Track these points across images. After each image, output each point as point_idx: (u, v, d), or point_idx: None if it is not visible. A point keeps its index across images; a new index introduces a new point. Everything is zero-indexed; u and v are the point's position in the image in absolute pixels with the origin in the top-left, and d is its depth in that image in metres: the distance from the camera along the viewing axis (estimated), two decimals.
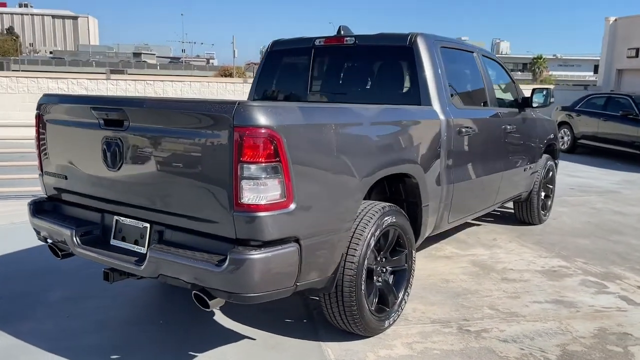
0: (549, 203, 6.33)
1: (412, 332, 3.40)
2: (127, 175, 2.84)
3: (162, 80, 14.29)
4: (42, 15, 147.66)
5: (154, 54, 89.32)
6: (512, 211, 6.21)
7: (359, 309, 3.04)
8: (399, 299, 3.45)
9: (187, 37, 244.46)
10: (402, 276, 3.51)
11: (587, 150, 13.02)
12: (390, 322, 3.35)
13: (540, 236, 5.66)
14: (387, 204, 3.31)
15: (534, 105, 5.23)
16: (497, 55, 7.02)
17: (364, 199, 3.20)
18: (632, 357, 3.17)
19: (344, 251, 2.95)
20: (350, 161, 2.86)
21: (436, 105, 3.83)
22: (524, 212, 6.01)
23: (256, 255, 2.44)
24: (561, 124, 13.20)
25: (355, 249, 3.00)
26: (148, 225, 2.85)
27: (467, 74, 4.71)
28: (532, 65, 71.11)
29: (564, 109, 13.69)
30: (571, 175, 9.78)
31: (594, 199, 7.74)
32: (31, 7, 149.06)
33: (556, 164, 6.44)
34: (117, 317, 3.60)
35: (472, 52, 4.67)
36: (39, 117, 3.29)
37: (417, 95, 3.85)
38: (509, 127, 4.84)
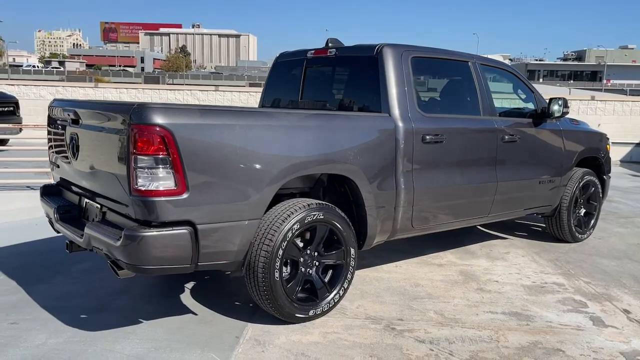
0: (592, 221, 5.95)
1: (338, 324, 3.61)
2: (81, 164, 3.49)
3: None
4: (210, 34, 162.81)
5: None
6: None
7: (272, 293, 3.36)
8: (333, 293, 3.69)
9: None
10: (339, 272, 3.74)
11: None
12: (317, 312, 3.60)
13: (563, 254, 5.38)
14: (316, 201, 3.58)
15: (555, 115, 5.05)
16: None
17: (302, 196, 3.52)
18: (527, 347, 3.09)
19: (252, 240, 3.29)
20: (255, 159, 3.21)
21: (395, 112, 3.99)
22: (553, 228, 5.73)
23: (145, 233, 2.92)
24: None
25: (271, 240, 3.33)
26: (99, 207, 3.46)
27: (452, 83, 4.74)
28: None
29: None
30: None
31: None
32: (201, 27, 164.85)
33: (603, 180, 6.02)
34: (108, 286, 4.26)
35: (467, 62, 4.69)
36: (48, 118, 4.09)
37: (379, 103, 4.04)
38: (507, 137, 4.75)
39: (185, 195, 2.97)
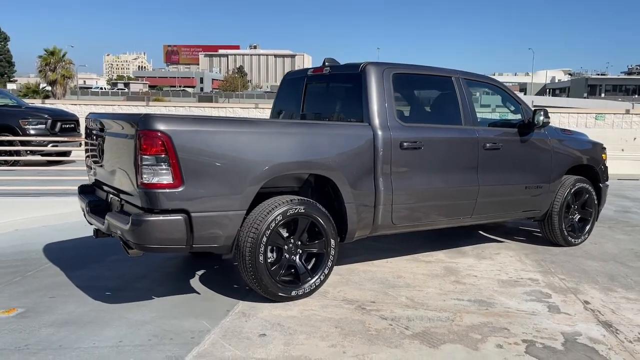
0: (587, 227, 6.24)
1: (317, 304, 4.18)
2: (106, 165, 4.25)
3: None
4: (267, 55, 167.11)
5: None
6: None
7: (257, 273, 3.97)
8: (314, 278, 4.27)
9: None
10: (321, 260, 4.32)
11: None
12: (299, 293, 4.18)
13: (552, 256, 5.72)
14: (298, 197, 4.20)
15: (538, 125, 5.47)
16: None
17: (292, 194, 4.17)
18: (483, 342, 3.54)
19: (239, 228, 3.93)
20: (241, 161, 3.86)
21: (375, 122, 4.56)
22: (546, 232, 6.08)
23: (148, 218, 3.62)
24: None
25: (257, 228, 3.96)
26: (119, 200, 4.20)
27: (433, 96, 5.25)
28: None
29: None
30: None
31: None
32: (258, 48, 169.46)
33: (599, 188, 6.32)
34: (133, 273, 4.99)
35: (450, 77, 5.19)
36: (85, 129, 4.90)
37: (361, 114, 4.63)
38: (489, 144, 5.21)
39: (181, 189, 3.65)
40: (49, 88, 55.65)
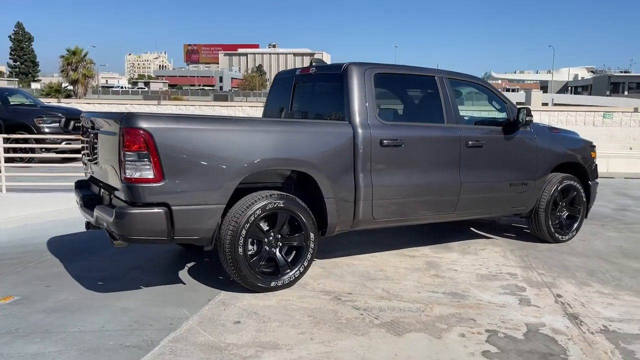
0: (575, 224, 6.32)
1: (295, 294, 4.37)
2: (98, 160, 4.49)
3: None
4: (285, 53, 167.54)
5: None
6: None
7: (236, 264, 4.17)
8: (294, 270, 4.45)
9: None
10: (301, 253, 4.50)
11: None
12: (278, 284, 4.37)
13: (537, 252, 5.83)
14: (277, 192, 4.38)
15: (520, 123, 5.57)
16: None
17: (276, 189, 4.36)
18: (447, 331, 3.69)
19: (219, 221, 4.13)
20: (221, 157, 4.05)
21: (356, 120, 4.72)
22: (534, 229, 6.18)
23: (130, 210, 3.84)
24: None
25: (237, 222, 4.16)
26: (108, 194, 4.43)
27: (416, 95, 5.38)
28: None
29: None
30: None
31: None
32: (277, 46, 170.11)
33: (588, 186, 6.39)
34: (126, 264, 5.23)
35: (433, 76, 5.33)
36: (81, 127, 5.14)
37: (343, 112, 4.80)
38: (472, 142, 5.33)
39: (162, 183, 3.86)
40: (70, 87, 56.74)
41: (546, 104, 44.75)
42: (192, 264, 5.23)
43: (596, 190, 6.60)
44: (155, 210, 3.88)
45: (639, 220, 7.75)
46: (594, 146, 6.60)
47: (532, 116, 5.57)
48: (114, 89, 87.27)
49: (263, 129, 4.38)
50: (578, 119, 13.63)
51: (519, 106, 5.69)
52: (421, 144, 5.08)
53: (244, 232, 4.17)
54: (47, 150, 11.83)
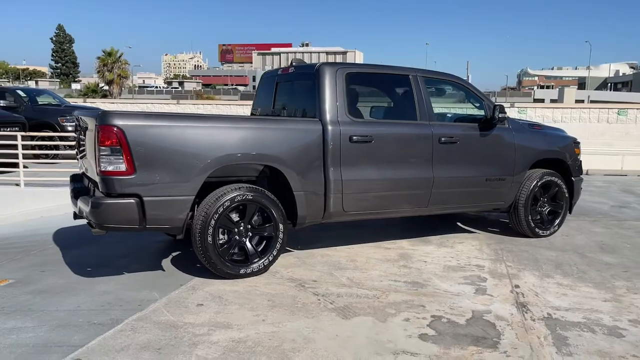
0: (557, 219, 6.41)
1: (263, 281, 4.65)
2: (85, 155, 4.86)
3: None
4: (318, 52, 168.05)
5: None
6: None
7: (206, 252, 4.48)
8: (263, 259, 4.74)
9: (435, 64, 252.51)
10: (270, 243, 4.78)
11: None
12: (247, 272, 4.66)
13: (514, 246, 5.96)
14: (247, 185, 4.68)
15: (495, 119, 5.72)
16: None
17: (251, 182, 4.67)
18: (394, 316, 3.92)
19: (189, 211, 4.45)
20: (189, 152, 4.36)
21: (326, 118, 4.97)
22: (514, 223, 6.31)
23: (104, 201, 4.19)
24: None
25: (206, 212, 4.47)
26: (93, 186, 4.81)
27: (388, 93, 5.59)
28: None
29: None
30: None
31: None
32: (310, 45, 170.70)
33: (571, 182, 6.46)
34: (117, 253, 5.62)
35: (407, 75, 5.53)
36: (75, 125, 5.54)
37: (314, 110, 5.06)
38: (445, 138, 5.51)
39: (133, 176, 4.20)
40: (106, 87, 58.48)
41: (582, 101, 43.78)
42: (177, 253, 5.57)
43: (580, 186, 6.66)
44: (128, 200, 4.22)
45: (633, 217, 7.74)
46: (578, 143, 6.67)
47: (505, 113, 5.71)
48: (148, 88, 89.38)
49: (230, 126, 4.67)
50: (592, 116, 13.50)
51: (494, 104, 5.82)
52: (391, 140, 5.29)
53: (212, 222, 4.47)
54: (71, 147, 12.43)
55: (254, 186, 4.72)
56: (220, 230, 4.59)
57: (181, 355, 3.28)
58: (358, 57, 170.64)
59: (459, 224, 7.01)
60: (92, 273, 4.94)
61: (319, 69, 5.10)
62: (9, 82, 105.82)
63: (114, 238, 6.13)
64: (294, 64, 5.66)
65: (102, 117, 4.18)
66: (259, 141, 4.69)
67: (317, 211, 5.03)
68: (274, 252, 4.80)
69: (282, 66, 5.85)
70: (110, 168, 4.17)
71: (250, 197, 4.62)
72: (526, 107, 13.76)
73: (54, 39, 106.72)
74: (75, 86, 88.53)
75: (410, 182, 5.41)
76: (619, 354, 3.39)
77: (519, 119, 6.70)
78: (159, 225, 4.42)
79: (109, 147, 4.15)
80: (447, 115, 6.40)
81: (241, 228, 4.70)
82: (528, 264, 5.27)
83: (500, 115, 5.66)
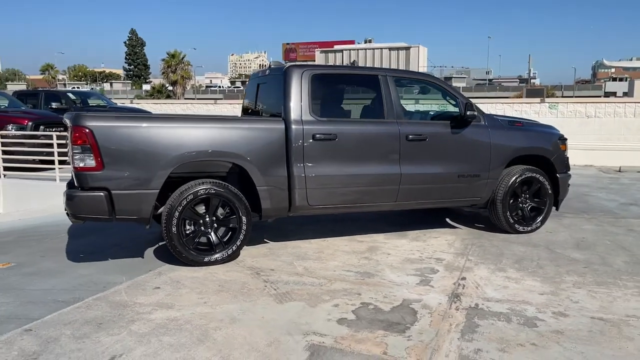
0: (540, 216, 6.43)
1: (224, 269, 5.05)
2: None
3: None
4: (381, 48, 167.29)
5: (465, 77, 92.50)
6: None
7: (171, 241, 4.93)
8: (227, 248, 5.14)
9: (500, 58, 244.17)
10: (234, 234, 5.18)
11: None
12: (211, 260, 5.08)
13: (487, 241, 6.06)
14: (211, 180, 5.08)
15: (466, 117, 5.85)
16: None
17: (221, 178, 5.09)
18: (326, 302, 4.21)
19: (154, 203, 4.91)
20: (153, 150, 4.81)
21: (290, 117, 5.31)
22: (493, 219, 6.40)
23: (76, 194, 4.72)
24: None
25: (172, 205, 4.92)
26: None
27: (355, 93, 5.83)
28: None
29: None
30: None
31: None
32: (373, 42, 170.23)
33: (556, 178, 6.46)
34: (111, 242, 6.19)
35: (377, 75, 5.76)
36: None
37: (281, 109, 5.40)
38: (412, 136, 5.70)
39: (102, 171, 4.70)
40: (170, 88, 61.03)
41: None
42: (163, 243, 6.04)
43: (568, 183, 6.62)
44: (97, 193, 4.73)
45: (634, 215, 7.57)
46: (564, 139, 6.63)
47: (474, 111, 5.82)
48: (212, 88, 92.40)
49: (191, 126, 5.09)
50: (627, 111, 13.00)
51: (465, 102, 5.93)
52: (356, 138, 5.55)
53: (177, 213, 4.92)
54: None
55: (217, 181, 5.12)
56: (187, 221, 5.02)
57: (116, 329, 3.72)
58: (422, 53, 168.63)
59: (448, 220, 7.14)
60: (82, 259, 5.51)
61: (286, 71, 5.43)
62: (86, 84, 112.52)
63: (116, 229, 6.72)
64: (272, 65, 6.02)
65: (75, 119, 4.71)
66: (218, 140, 5.09)
67: (282, 205, 5.37)
68: (238, 243, 5.18)
69: (264, 69, 6.22)
70: (81, 164, 4.69)
71: (213, 191, 5.03)
72: (557, 103, 13.40)
73: (127, 42, 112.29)
74: (145, 87, 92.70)
75: (376, 178, 5.64)
76: (519, 342, 3.54)
77: (500, 116, 6.75)
78: (127, 216, 4.91)
79: (80, 146, 4.67)
80: (430, 113, 6.56)
81: (207, 219, 5.11)
82: (490, 259, 5.38)
83: (468, 113, 5.78)
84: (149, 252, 5.70)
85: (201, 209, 5.10)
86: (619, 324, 3.81)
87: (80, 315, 3.96)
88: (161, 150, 4.86)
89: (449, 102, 6.22)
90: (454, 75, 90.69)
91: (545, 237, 6.26)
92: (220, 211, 5.16)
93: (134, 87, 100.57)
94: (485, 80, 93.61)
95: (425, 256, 5.47)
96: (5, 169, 10.79)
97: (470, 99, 6.17)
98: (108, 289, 4.54)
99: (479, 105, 6.17)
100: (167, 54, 56.18)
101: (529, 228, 6.39)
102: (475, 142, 6.04)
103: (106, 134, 4.72)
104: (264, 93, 6.22)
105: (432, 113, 6.47)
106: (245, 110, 6.75)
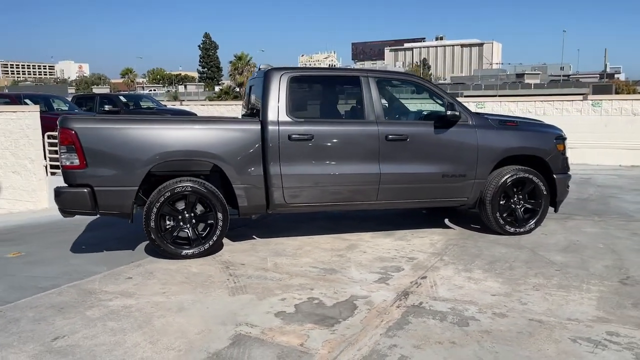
0: (535, 218, 6.28)
1: (198, 262, 5.33)
2: None
3: (498, 101, 12.52)
4: (453, 45, 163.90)
5: (538, 74, 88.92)
6: None
7: (150, 234, 5.28)
8: (204, 243, 5.43)
9: (578, 52, 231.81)
10: (211, 229, 5.46)
11: None
12: (189, 254, 5.38)
13: (472, 242, 6.00)
14: (188, 178, 5.39)
15: (448, 116, 5.85)
16: None
17: (203, 176, 5.42)
18: (275, 296, 4.39)
19: (134, 199, 5.27)
20: (132, 150, 5.17)
21: (267, 118, 5.53)
22: (483, 220, 6.32)
23: (63, 190, 5.16)
24: None
25: (151, 201, 5.27)
26: None
27: (335, 94, 5.94)
28: None
29: None
30: None
31: None
32: (444, 39, 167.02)
33: (552, 179, 6.29)
34: (115, 236, 6.64)
35: (358, 76, 5.86)
36: None
37: (260, 110, 5.64)
38: (392, 136, 5.76)
39: (85, 169, 5.12)
40: (237, 89, 62.80)
41: None
42: None
43: (566, 184, 6.41)
44: (81, 190, 5.15)
45: None
46: (563, 139, 6.43)
47: (456, 111, 5.79)
48: None
49: (169, 127, 5.41)
50: (635, 107, 12.24)
51: (448, 102, 5.91)
52: (333, 138, 5.67)
53: (155, 209, 5.26)
54: None
55: (195, 179, 5.42)
56: (167, 217, 5.35)
57: (72, 314, 4.08)
58: (496, 48, 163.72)
59: (446, 221, 7.09)
60: (82, 250, 5.98)
61: (266, 74, 5.66)
62: (163, 87, 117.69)
63: (124, 224, 7.17)
64: (261, 68, 6.25)
65: (62, 122, 5.15)
66: (193, 140, 5.38)
67: (260, 203, 5.60)
68: (214, 238, 5.46)
69: (256, 71, 6.48)
70: (68, 163, 5.13)
71: (189, 189, 5.33)
72: (601, 100, 12.76)
73: (201, 46, 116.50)
74: (217, 88, 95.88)
75: (355, 177, 5.74)
76: (439, 340, 3.57)
77: (492, 115, 6.64)
78: (109, 210, 5.30)
79: (66, 146, 5.10)
80: (422, 112, 6.56)
81: (185, 215, 5.42)
82: (464, 259, 5.35)
83: (449, 113, 5.76)
84: (142, 246, 6.08)
85: (181, 205, 5.41)
86: (554, 327, 3.75)
87: (48, 300, 4.36)
88: (138, 150, 5.21)
89: (436, 102, 6.21)
90: (526, 72, 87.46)
91: (537, 239, 6.11)
92: (199, 208, 5.45)
93: (206, 89, 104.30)
94: (560, 76, 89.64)
95: (400, 255, 5.52)
96: (52, 167, 11.66)
97: (500, 96, 6.17)
98: (85, 277, 4.93)
99: (513, 104, 6.11)
100: (235, 56, 57.84)
101: (522, 229, 6.26)
102: (461, 142, 6.00)
103: (89, 135, 5.13)
104: (253, 94, 6.47)
105: (425, 113, 6.45)
106: (245, 109, 7.03)
